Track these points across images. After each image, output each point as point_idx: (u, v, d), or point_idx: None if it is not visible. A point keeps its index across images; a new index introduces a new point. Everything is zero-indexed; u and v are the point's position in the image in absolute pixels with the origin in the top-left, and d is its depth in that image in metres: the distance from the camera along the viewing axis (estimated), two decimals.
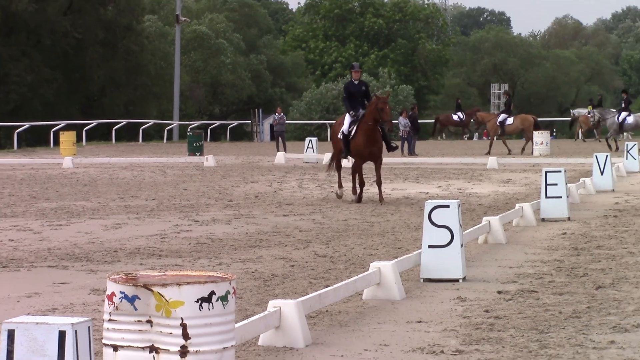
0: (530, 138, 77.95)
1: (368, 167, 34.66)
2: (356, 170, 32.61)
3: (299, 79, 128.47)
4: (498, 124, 75.59)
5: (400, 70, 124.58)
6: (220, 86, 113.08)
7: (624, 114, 76.82)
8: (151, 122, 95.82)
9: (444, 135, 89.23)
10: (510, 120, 75.47)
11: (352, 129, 31.57)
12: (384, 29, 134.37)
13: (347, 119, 32.25)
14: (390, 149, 33.84)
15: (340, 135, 34.72)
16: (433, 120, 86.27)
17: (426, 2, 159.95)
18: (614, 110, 79.20)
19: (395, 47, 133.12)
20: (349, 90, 33.21)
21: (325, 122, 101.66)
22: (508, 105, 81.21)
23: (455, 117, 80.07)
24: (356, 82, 32.61)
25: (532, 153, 72.23)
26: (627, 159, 52.58)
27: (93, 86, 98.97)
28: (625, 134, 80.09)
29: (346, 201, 36.34)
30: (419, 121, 77.80)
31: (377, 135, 32.00)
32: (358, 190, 32.98)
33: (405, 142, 75.45)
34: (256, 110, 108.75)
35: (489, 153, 71.39)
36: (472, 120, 79.23)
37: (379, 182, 32.08)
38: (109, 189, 41.33)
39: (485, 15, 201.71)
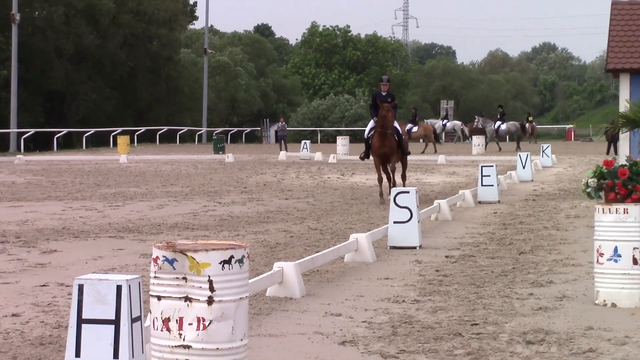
0: (430, 141, 77.94)
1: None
2: (377, 167, 29.96)
3: (296, 96, 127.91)
4: (406, 131, 75.80)
5: (372, 90, 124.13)
6: (237, 102, 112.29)
7: (498, 122, 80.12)
8: (185, 129, 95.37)
9: None
10: (415, 129, 76.11)
11: (371, 133, 29.87)
12: (361, 59, 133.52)
13: (370, 124, 30.60)
14: (403, 153, 30.76)
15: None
16: None
17: (392, 39, 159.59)
18: (490, 121, 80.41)
19: (369, 72, 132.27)
20: (375, 99, 30.51)
21: (316, 129, 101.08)
22: (414, 117, 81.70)
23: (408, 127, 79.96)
24: (384, 94, 29.87)
25: (435, 152, 71.66)
26: (542, 157, 52.54)
27: (142, 102, 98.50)
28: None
29: (332, 187, 36.44)
30: None
31: (388, 139, 29.15)
32: (380, 190, 29.42)
33: None
34: (264, 120, 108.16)
35: (434, 151, 71.94)
36: (412, 128, 79.26)
37: (390, 177, 29.75)
38: (154, 179, 41.12)
39: (436, 49, 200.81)
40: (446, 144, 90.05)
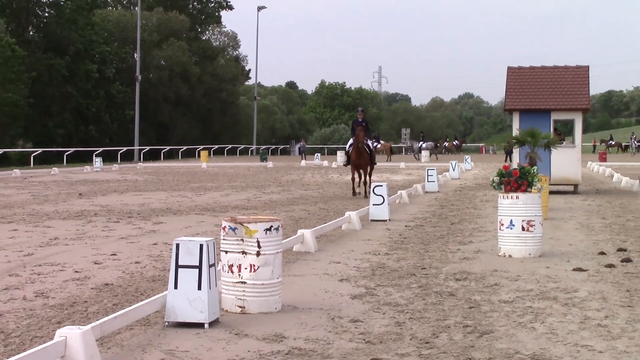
0: (389, 155, 76.33)
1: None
2: (352, 171, 27.95)
3: (312, 126, 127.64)
4: (374, 146, 75.54)
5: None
6: (274, 129, 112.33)
7: (421, 143, 77.99)
8: (242, 146, 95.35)
9: None
10: (379, 145, 75.46)
11: (350, 148, 27.95)
12: (352, 103, 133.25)
13: (350, 141, 28.53)
14: (372, 163, 28.05)
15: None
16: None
17: (371, 90, 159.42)
18: (416, 141, 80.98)
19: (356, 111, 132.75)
20: (353, 124, 28.77)
21: (324, 146, 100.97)
22: (377, 138, 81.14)
23: (374, 143, 79.17)
24: (360, 120, 28.08)
25: (388, 161, 70.74)
26: (465, 163, 52.52)
27: (215, 130, 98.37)
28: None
29: (334, 183, 36.43)
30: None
31: (363, 153, 27.01)
32: (356, 189, 27.91)
33: None
34: (292, 141, 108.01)
35: (388, 160, 71.07)
36: (376, 145, 78.98)
37: (365, 183, 27.01)
38: (223, 178, 41.04)
39: (398, 96, 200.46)
40: (407, 156, 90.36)
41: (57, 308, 9.63)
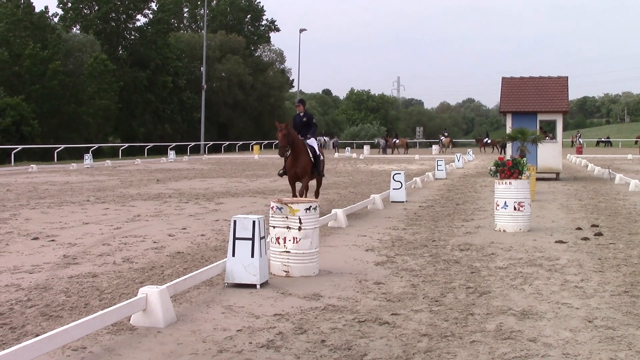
0: (406, 149, 72.91)
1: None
2: (290, 185, 16.84)
3: (343, 125, 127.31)
4: (393, 142, 73.96)
5: (381, 122, 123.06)
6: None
7: (395, 140, 73.33)
8: None
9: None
10: (398, 141, 73.27)
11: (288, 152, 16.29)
12: (375, 106, 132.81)
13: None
14: (319, 174, 16.80)
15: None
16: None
17: (391, 95, 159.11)
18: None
19: (380, 113, 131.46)
20: (294, 120, 17.18)
21: (353, 141, 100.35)
22: (396, 134, 79.70)
23: (394, 140, 76.73)
24: (301, 114, 16.79)
25: (406, 153, 69.23)
26: (468, 155, 52.37)
27: (265, 128, 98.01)
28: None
29: (361, 171, 36.40)
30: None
31: (301, 159, 15.72)
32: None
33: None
34: (327, 136, 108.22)
35: (405, 153, 70.31)
36: (395, 140, 76.11)
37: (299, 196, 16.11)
38: (272, 167, 40.99)
39: (413, 101, 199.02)
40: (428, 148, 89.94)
41: (139, 271, 9.70)
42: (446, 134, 79.75)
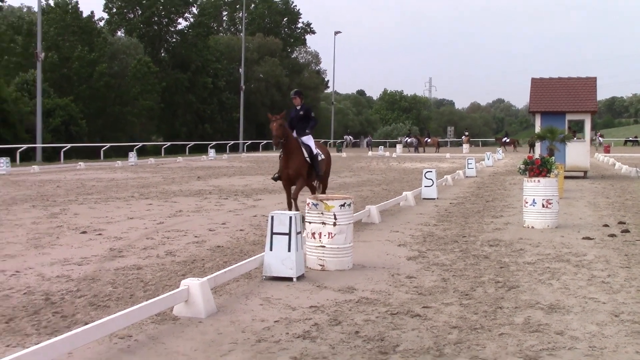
0: (437, 147, 73.42)
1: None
2: (285, 189, 14.28)
3: (377, 124, 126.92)
4: (425, 141, 74.02)
5: (413, 122, 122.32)
6: (348, 127, 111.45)
7: (406, 138, 73.36)
8: (322, 140, 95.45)
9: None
10: (429, 140, 73.18)
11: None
12: (407, 106, 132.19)
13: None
14: (317, 174, 14.27)
15: None
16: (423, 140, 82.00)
17: (423, 96, 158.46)
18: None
19: (413, 113, 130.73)
20: (291, 115, 14.58)
21: (386, 140, 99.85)
22: (428, 134, 79.50)
23: (426, 139, 76.31)
24: (298, 108, 14.25)
25: (437, 152, 69.08)
26: (497, 154, 52.04)
27: None
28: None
29: (394, 169, 36.32)
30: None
31: (294, 158, 13.51)
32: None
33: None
34: (362, 136, 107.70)
35: (437, 152, 70.01)
36: (427, 140, 75.94)
37: (290, 203, 13.98)
38: None
39: (445, 101, 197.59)
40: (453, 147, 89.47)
41: (181, 264, 9.80)
42: (467, 133, 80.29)
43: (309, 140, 14.09)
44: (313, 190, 14.70)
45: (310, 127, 14.26)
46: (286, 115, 13.89)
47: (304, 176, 13.73)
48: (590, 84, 29.25)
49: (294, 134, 13.91)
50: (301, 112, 14.28)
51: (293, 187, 13.97)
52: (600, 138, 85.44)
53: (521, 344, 6.10)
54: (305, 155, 13.75)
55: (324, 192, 15.06)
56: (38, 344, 5.48)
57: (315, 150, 14.13)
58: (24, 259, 10.18)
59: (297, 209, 13.05)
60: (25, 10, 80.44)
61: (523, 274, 9.05)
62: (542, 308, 7.32)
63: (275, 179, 14.21)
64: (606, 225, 13.74)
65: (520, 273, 9.12)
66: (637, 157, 50.39)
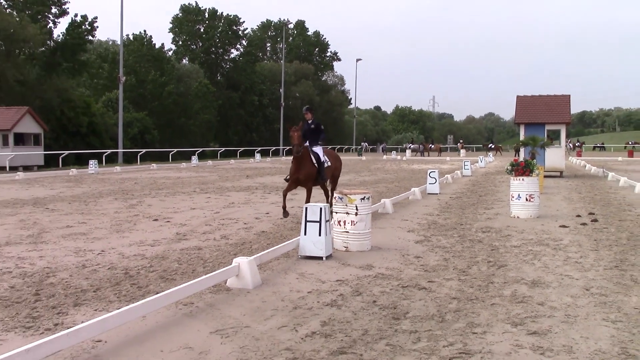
0: (439, 152, 72.94)
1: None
2: (288, 185, 13.00)
3: (390, 134, 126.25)
4: (429, 147, 73.84)
5: (420, 132, 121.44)
6: (366, 135, 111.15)
7: (410, 145, 71.84)
8: (346, 146, 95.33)
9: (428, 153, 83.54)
10: (432, 146, 72.89)
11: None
12: (416, 119, 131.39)
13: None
14: (322, 179, 13.16)
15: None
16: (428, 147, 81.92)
17: (428, 110, 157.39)
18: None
19: (419, 125, 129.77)
20: (303, 128, 13.11)
21: (397, 146, 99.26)
22: (432, 141, 79.30)
23: (430, 145, 76.20)
24: (309, 122, 13.27)
25: (439, 156, 68.43)
26: (489, 157, 51.45)
27: (330, 136, 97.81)
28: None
29: (404, 169, 36.12)
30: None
31: (305, 165, 12.52)
32: (287, 206, 13.40)
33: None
34: (378, 143, 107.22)
35: (439, 156, 69.37)
36: (431, 146, 75.87)
37: (308, 197, 13.02)
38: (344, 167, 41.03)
39: (445, 115, 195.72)
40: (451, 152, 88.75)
41: (233, 245, 9.81)
42: (461, 141, 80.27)
43: (318, 149, 13.15)
44: (326, 191, 13.96)
45: (321, 139, 13.26)
46: (302, 127, 12.72)
47: (312, 180, 12.83)
48: (565, 100, 28.87)
49: (307, 144, 12.99)
50: (312, 126, 13.28)
51: (296, 187, 12.88)
52: (577, 144, 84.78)
53: (509, 312, 6.02)
54: (314, 161, 12.81)
55: (332, 192, 13.85)
56: (119, 309, 5.53)
57: (322, 158, 13.08)
58: (108, 241, 10.28)
59: (286, 210, 12.42)
60: (110, 42, 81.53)
61: (510, 255, 8.93)
62: (526, 283, 7.21)
63: (287, 180, 13.07)
64: (579, 216, 13.52)
65: (508, 254, 9.01)
66: (603, 160, 49.78)
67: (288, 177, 12.90)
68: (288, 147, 75.43)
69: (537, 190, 13.53)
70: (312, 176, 12.63)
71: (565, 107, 28.41)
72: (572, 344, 5.13)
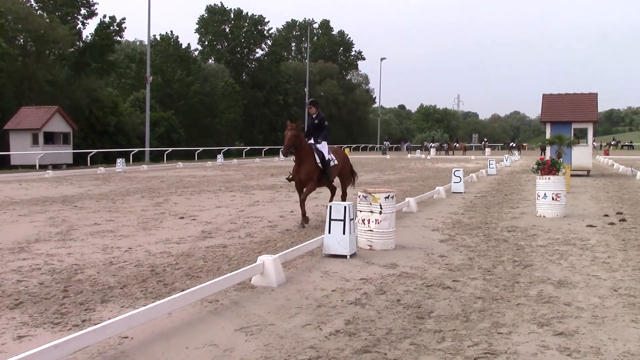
0: (464, 151, 72.97)
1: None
2: (301, 201, 11.72)
3: (414, 132, 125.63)
4: (454, 145, 73.59)
5: (444, 130, 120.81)
6: (390, 134, 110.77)
7: (430, 143, 70.83)
8: (370, 145, 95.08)
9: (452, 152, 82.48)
10: (457, 145, 72.67)
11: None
12: (439, 117, 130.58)
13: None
14: (328, 180, 12.19)
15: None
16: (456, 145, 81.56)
17: (453, 109, 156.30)
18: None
19: (444, 123, 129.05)
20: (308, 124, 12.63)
21: (421, 145, 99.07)
22: (457, 140, 78.99)
23: (454, 144, 76.14)
24: (313, 116, 12.28)
25: (464, 154, 68.00)
26: (514, 156, 50.98)
27: (355, 135, 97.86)
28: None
29: (429, 168, 35.88)
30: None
31: (305, 164, 11.50)
32: (303, 210, 11.79)
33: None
34: (402, 141, 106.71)
35: (464, 154, 68.97)
36: (456, 145, 75.78)
37: (301, 202, 11.71)
38: (358, 164, 40.71)
39: (470, 113, 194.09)
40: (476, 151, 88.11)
41: (258, 243, 9.83)
42: (485, 139, 79.80)
43: (322, 147, 12.00)
44: (333, 192, 12.97)
45: (322, 136, 12.10)
46: (301, 125, 11.66)
47: (314, 181, 11.61)
48: (592, 98, 28.46)
49: (311, 141, 11.98)
50: (316, 121, 12.25)
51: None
52: (612, 143, 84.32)
53: (535, 313, 5.93)
54: (318, 161, 11.69)
55: (344, 191, 13.33)
56: (145, 306, 5.57)
57: (327, 156, 11.97)
58: (135, 238, 10.37)
59: (304, 212, 11.62)
60: (138, 43, 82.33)
61: (536, 255, 8.81)
62: (552, 283, 7.11)
63: (289, 180, 11.99)
64: (606, 215, 13.32)
65: (534, 254, 8.89)
66: (632, 159, 48.95)
67: (290, 176, 11.93)
68: None
69: (564, 189, 13.36)
70: (312, 176, 11.57)
71: (592, 106, 28.00)
72: (599, 346, 5.04)
